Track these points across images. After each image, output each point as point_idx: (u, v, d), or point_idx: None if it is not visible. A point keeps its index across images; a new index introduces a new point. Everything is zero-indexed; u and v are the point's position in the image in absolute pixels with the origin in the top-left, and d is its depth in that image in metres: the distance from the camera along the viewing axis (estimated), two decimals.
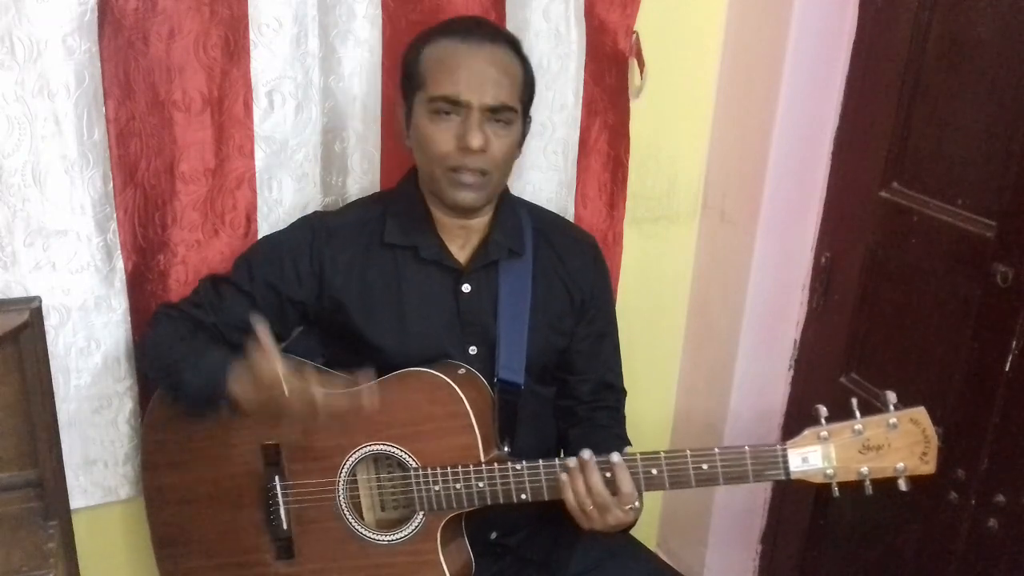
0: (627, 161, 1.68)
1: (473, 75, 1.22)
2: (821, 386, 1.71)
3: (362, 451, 1.26)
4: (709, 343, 1.88)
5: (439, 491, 1.24)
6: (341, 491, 1.28)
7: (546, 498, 1.23)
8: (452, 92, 1.22)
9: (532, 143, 1.56)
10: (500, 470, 1.22)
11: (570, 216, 1.67)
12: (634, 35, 1.60)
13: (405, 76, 1.30)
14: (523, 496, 1.23)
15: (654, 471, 1.19)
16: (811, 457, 1.14)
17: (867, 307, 1.59)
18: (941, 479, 1.27)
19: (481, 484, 1.23)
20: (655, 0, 1.60)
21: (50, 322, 1.36)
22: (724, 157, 1.78)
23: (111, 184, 1.36)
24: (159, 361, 1.30)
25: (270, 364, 1.12)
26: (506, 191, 1.38)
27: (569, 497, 1.20)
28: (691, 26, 1.69)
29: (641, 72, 1.64)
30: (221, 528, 1.34)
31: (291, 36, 1.39)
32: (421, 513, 1.27)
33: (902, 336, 1.51)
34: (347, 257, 1.32)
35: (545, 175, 1.63)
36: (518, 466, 1.22)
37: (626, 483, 1.18)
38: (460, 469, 1.23)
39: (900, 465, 1.13)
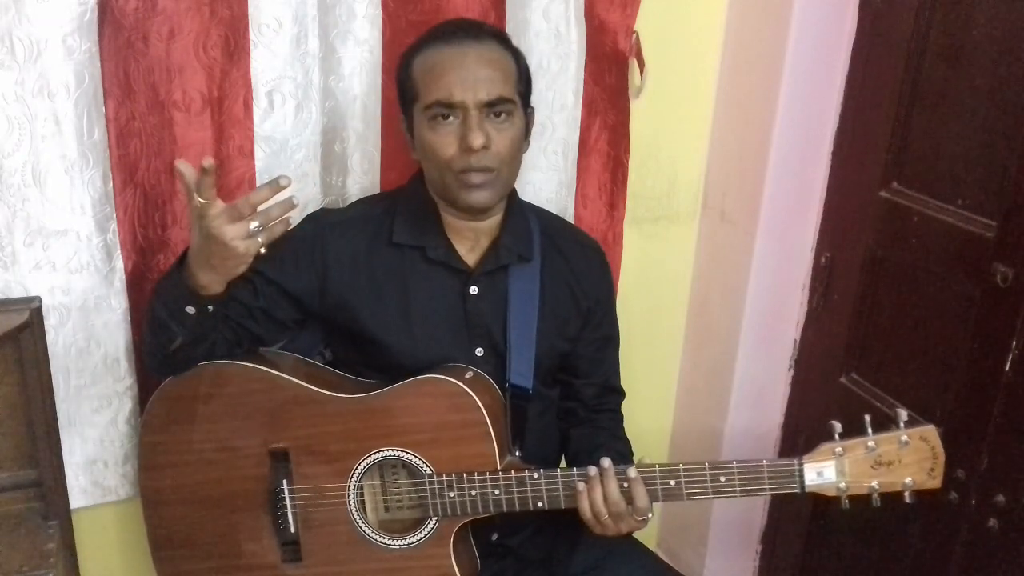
0: (627, 161, 1.68)
1: (463, 75, 1.22)
2: (821, 386, 1.71)
3: (375, 456, 1.26)
4: (709, 343, 1.88)
5: (454, 498, 1.24)
6: (352, 495, 1.28)
7: (563, 506, 1.24)
8: (445, 95, 1.22)
9: (532, 143, 1.56)
10: (517, 478, 1.23)
11: (570, 216, 1.67)
12: (634, 35, 1.60)
13: (400, 92, 1.30)
14: (539, 504, 1.24)
15: (672, 482, 1.20)
16: (826, 472, 1.18)
17: (867, 307, 1.59)
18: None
19: (497, 492, 1.23)
20: (655, 0, 1.60)
21: (50, 322, 1.36)
22: (724, 157, 1.78)
23: (111, 184, 1.36)
24: (149, 325, 1.28)
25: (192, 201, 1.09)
26: (515, 194, 1.38)
27: (585, 506, 1.21)
28: (691, 26, 1.69)
29: (641, 72, 1.64)
30: (223, 531, 1.33)
31: (291, 36, 1.39)
32: (434, 519, 1.27)
33: (902, 336, 1.51)
34: (351, 252, 1.31)
35: (545, 175, 1.63)
36: (535, 474, 1.23)
37: (641, 497, 1.20)
38: (476, 476, 1.23)
39: (909, 480, 1.17)
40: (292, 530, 1.31)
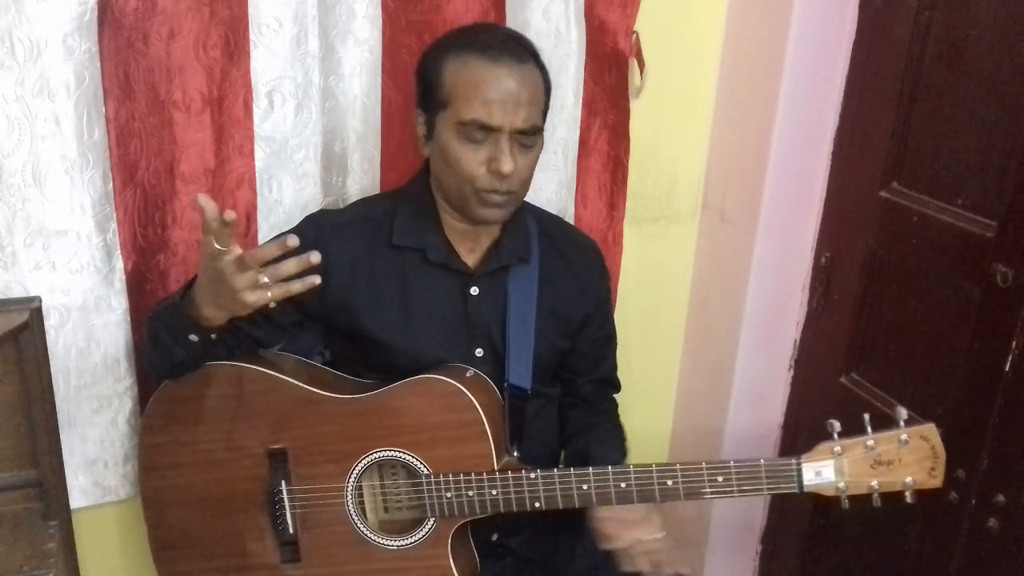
0: (627, 161, 1.68)
1: (505, 100, 1.20)
2: (821, 386, 1.71)
3: (372, 457, 1.26)
4: (709, 343, 1.88)
5: (451, 498, 1.24)
6: (350, 496, 1.28)
7: (560, 507, 1.24)
8: (485, 118, 1.20)
9: None
10: (514, 479, 1.23)
11: (570, 216, 1.67)
12: (634, 35, 1.60)
13: (424, 89, 1.27)
14: (536, 504, 1.24)
15: (669, 482, 1.20)
16: (824, 471, 1.17)
17: (867, 307, 1.59)
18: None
19: (495, 492, 1.23)
20: (655, 0, 1.60)
21: (50, 322, 1.36)
22: (724, 157, 1.77)
23: (111, 184, 1.36)
24: (150, 340, 1.28)
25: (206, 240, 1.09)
26: None
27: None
28: (691, 26, 1.69)
29: (641, 72, 1.64)
30: (222, 531, 1.34)
31: (291, 36, 1.39)
32: (432, 519, 1.27)
33: (902, 336, 1.51)
34: (352, 253, 1.31)
35: (545, 175, 1.63)
36: (532, 475, 1.23)
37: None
38: (473, 477, 1.23)
39: (909, 480, 1.17)
40: (291, 530, 1.31)
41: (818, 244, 1.70)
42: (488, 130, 1.21)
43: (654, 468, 1.21)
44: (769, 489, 1.20)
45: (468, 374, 1.27)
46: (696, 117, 1.77)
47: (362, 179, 1.52)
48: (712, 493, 1.20)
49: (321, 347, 1.42)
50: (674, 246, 1.85)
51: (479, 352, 1.34)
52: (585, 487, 1.22)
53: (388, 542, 1.29)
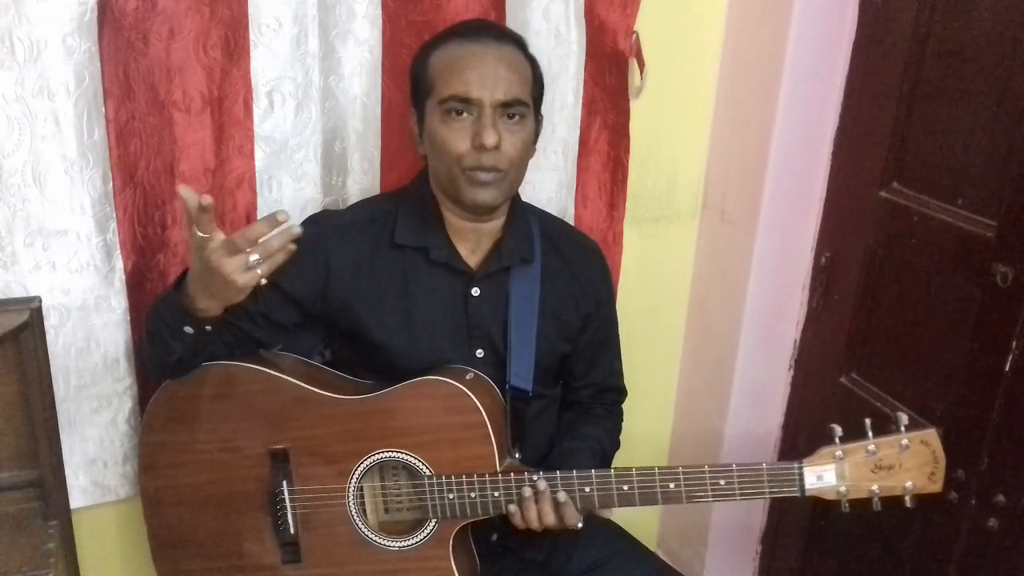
0: (627, 161, 1.68)
1: (483, 73, 1.22)
2: (821, 386, 1.71)
3: (374, 458, 1.26)
4: (709, 343, 1.88)
5: (454, 499, 1.24)
6: (352, 497, 1.28)
7: None
8: (463, 91, 1.22)
9: None
10: (516, 480, 1.23)
11: (570, 216, 1.67)
12: (634, 35, 1.60)
13: (414, 85, 1.30)
14: None
15: (671, 485, 1.21)
16: (826, 475, 1.18)
17: (867, 307, 1.59)
18: None
19: (497, 493, 1.23)
20: (655, 0, 1.60)
21: (50, 322, 1.36)
22: (724, 157, 1.78)
23: (111, 184, 1.36)
24: (148, 335, 1.29)
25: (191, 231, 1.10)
26: (518, 197, 1.38)
27: (518, 521, 1.24)
28: (691, 26, 1.69)
29: (641, 72, 1.64)
30: (222, 531, 1.33)
31: (291, 36, 1.39)
32: (434, 520, 1.27)
33: (902, 336, 1.51)
34: (354, 255, 1.31)
35: (545, 175, 1.63)
36: (535, 476, 1.23)
37: (570, 517, 1.23)
38: (476, 478, 1.23)
39: (909, 484, 1.18)
40: (292, 531, 1.31)
41: (818, 244, 1.70)
42: (468, 103, 1.22)
43: (656, 471, 1.21)
44: (771, 493, 1.20)
45: (468, 376, 1.27)
46: (696, 117, 1.77)
47: (362, 179, 1.52)
48: (714, 496, 1.20)
49: (321, 347, 1.42)
50: (674, 246, 1.85)
51: (479, 353, 1.34)
52: (587, 489, 1.22)
53: (389, 543, 1.29)
